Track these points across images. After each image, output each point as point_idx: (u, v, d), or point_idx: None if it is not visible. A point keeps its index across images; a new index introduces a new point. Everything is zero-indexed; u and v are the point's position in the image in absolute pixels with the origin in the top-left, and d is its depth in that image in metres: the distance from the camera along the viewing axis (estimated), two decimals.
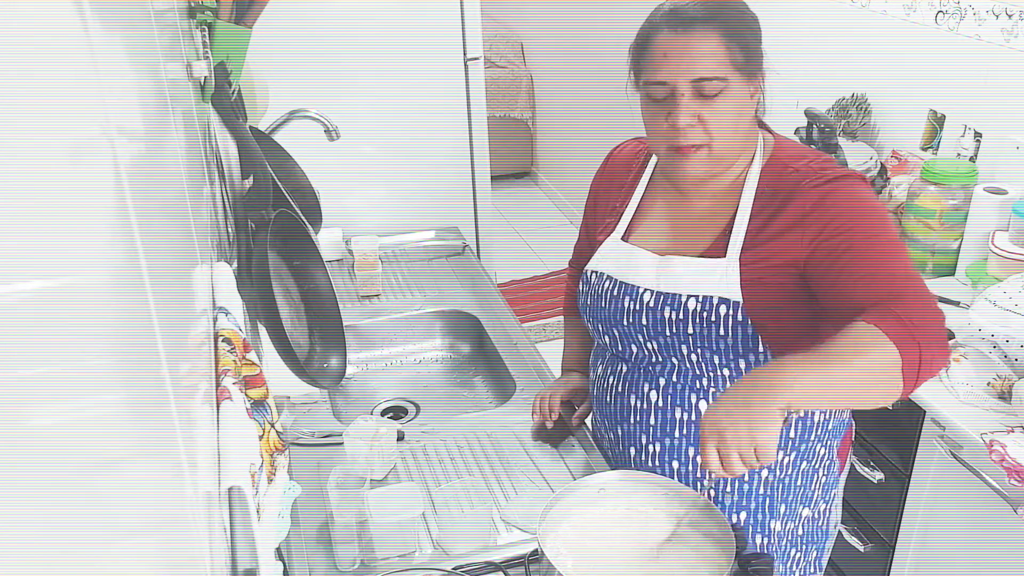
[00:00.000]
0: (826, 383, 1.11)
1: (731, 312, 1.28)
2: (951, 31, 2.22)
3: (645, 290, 1.36)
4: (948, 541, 1.79)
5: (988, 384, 1.70)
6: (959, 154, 2.21)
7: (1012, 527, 1.58)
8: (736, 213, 1.31)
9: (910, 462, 1.83)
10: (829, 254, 1.23)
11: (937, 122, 2.31)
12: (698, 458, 1.38)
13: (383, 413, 1.94)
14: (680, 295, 1.32)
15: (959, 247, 2.11)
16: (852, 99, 2.52)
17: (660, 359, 1.38)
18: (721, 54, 1.22)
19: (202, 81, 1.31)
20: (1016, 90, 2.07)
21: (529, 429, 1.68)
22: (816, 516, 1.46)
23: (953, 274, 2.12)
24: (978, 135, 2.18)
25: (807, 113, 2.34)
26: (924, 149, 2.35)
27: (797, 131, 2.37)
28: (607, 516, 1.24)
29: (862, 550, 1.96)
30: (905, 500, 1.86)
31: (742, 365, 1.32)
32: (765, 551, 1.40)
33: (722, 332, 1.29)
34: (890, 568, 1.93)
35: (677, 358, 1.36)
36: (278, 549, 1.10)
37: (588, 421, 1.67)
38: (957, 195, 2.08)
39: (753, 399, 1.07)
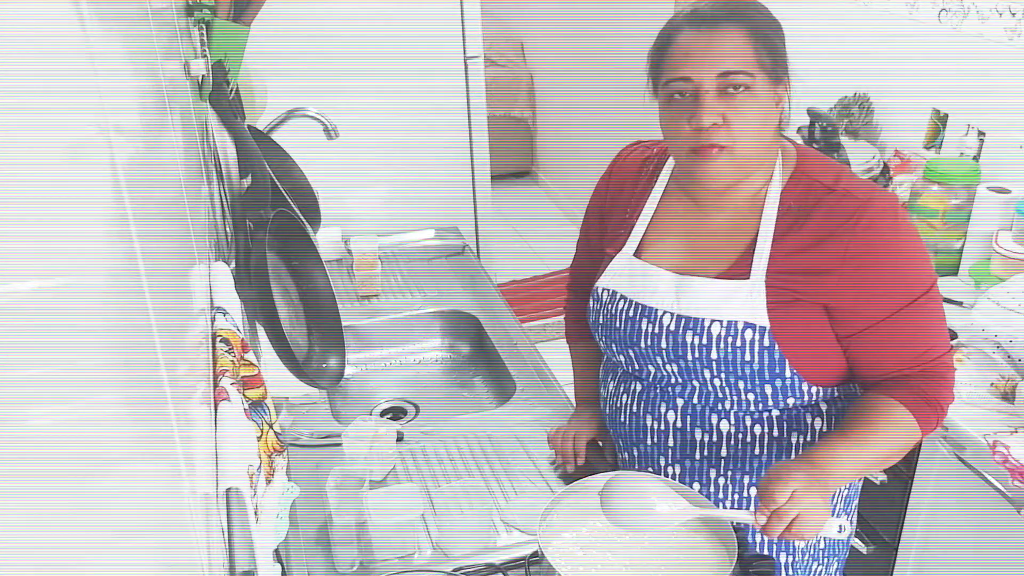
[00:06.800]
0: (867, 465, 1.28)
1: (757, 337, 1.22)
2: (954, 29, 2.21)
3: (664, 312, 1.28)
4: (951, 543, 1.79)
5: (991, 385, 1.70)
6: (962, 153, 2.21)
7: (1015, 528, 1.58)
8: (759, 230, 1.25)
9: (913, 463, 1.82)
10: (858, 311, 1.23)
11: (940, 121, 2.31)
12: (720, 480, 1.35)
13: (382, 414, 1.94)
14: (703, 319, 1.25)
15: (962, 247, 2.10)
16: (854, 98, 2.51)
17: (680, 380, 1.31)
18: (748, 52, 1.17)
19: (200, 80, 1.30)
20: (1020, 89, 2.06)
21: (529, 429, 1.68)
22: (838, 530, 1.45)
23: (956, 274, 2.11)
24: (981, 134, 2.18)
25: (809, 112, 2.34)
26: (927, 148, 2.34)
27: (799, 130, 2.36)
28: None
29: (865, 552, 1.95)
30: (908, 501, 1.85)
31: (768, 390, 1.27)
32: (791, 569, 1.37)
33: (748, 357, 1.23)
34: (893, 570, 1.92)
35: (699, 381, 1.29)
36: (276, 551, 1.10)
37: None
38: (960, 194, 2.08)
39: (819, 489, 1.13)
